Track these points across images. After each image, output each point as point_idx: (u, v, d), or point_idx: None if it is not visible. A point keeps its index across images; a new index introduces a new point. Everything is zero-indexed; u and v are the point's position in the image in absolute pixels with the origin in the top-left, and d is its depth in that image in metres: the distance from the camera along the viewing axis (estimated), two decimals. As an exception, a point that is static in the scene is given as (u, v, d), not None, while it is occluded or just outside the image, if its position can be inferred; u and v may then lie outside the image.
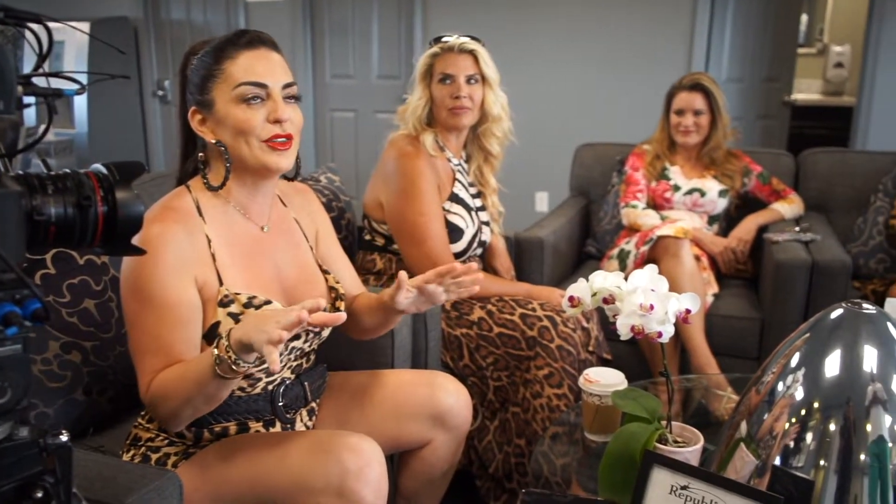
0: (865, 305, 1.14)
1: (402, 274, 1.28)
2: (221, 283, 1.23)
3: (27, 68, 0.80)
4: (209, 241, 1.24)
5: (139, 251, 0.79)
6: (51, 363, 1.38)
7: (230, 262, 1.26)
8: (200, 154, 1.28)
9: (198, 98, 1.25)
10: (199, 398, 1.13)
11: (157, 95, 5.32)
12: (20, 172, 0.73)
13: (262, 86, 1.22)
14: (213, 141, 1.25)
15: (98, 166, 0.77)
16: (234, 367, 1.06)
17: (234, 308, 1.23)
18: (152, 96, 5.31)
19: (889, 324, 1.12)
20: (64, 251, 1.40)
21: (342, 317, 1.12)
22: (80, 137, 4.66)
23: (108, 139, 4.94)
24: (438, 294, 1.31)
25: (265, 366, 1.22)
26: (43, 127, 0.80)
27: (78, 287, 1.43)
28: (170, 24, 5.22)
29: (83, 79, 0.83)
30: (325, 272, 1.43)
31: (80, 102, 4.62)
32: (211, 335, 1.22)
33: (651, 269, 1.26)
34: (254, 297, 1.24)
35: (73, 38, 4.57)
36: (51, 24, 0.77)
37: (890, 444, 1.05)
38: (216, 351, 1.08)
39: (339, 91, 4.92)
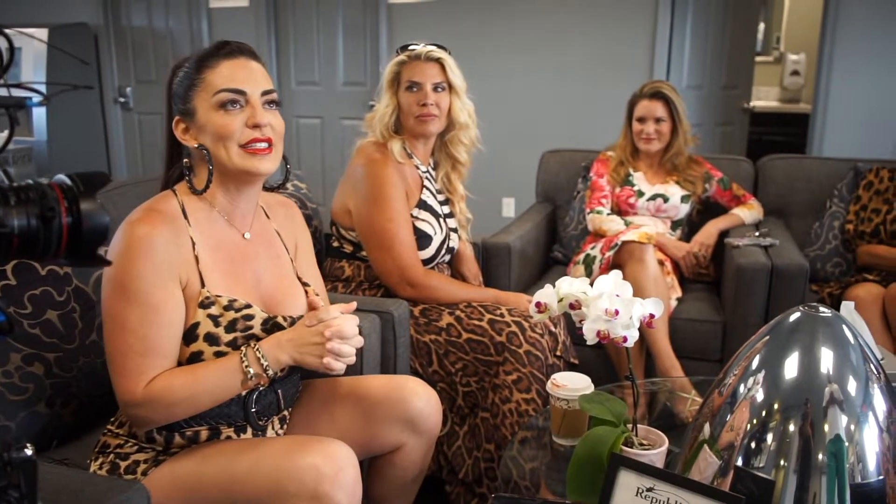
0: (822, 309, 1.18)
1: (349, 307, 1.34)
2: (203, 285, 1.24)
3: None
4: (193, 244, 1.25)
5: (105, 262, 0.79)
6: (12, 375, 1.35)
7: (212, 265, 1.27)
8: (186, 160, 1.30)
9: (180, 107, 1.28)
10: (209, 401, 1.23)
11: (119, 102, 5.23)
12: (-19, 185, 0.71)
13: (241, 92, 1.25)
14: (196, 146, 1.27)
15: (62, 177, 0.76)
16: (264, 377, 1.23)
17: (214, 310, 1.24)
18: (113, 103, 5.23)
19: (844, 326, 1.16)
20: (25, 262, 1.38)
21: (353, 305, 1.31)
22: (40, 146, 4.57)
23: (68, 147, 4.85)
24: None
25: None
26: (3, 137, 0.79)
27: (40, 298, 1.41)
28: (130, 30, 5.15)
29: (42, 88, 0.82)
30: (305, 284, 1.44)
31: (40, 110, 4.54)
32: (189, 335, 1.23)
33: (616, 274, 1.28)
34: (234, 300, 1.26)
35: (31, 46, 4.48)
36: (8, 32, 0.76)
37: (846, 444, 1.08)
38: (248, 366, 1.21)
39: (304, 98, 4.90)
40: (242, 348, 1.24)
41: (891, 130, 3.69)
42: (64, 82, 4.50)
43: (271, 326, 1.30)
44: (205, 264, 1.26)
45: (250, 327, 1.27)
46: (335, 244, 2.06)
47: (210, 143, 1.26)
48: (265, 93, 1.27)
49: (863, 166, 2.70)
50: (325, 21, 4.73)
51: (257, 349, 1.23)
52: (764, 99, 5.87)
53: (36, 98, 0.79)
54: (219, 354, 1.24)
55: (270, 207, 1.46)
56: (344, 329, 1.24)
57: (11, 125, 0.75)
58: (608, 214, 2.64)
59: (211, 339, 1.24)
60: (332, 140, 4.86)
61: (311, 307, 1.38)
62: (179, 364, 1.24)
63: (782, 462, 1.10)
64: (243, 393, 1.31)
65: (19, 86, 0.76)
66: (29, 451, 0.71)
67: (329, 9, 4.70)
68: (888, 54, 3.66)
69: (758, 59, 5.08)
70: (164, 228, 1.21)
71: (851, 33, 3.71)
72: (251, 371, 1.17)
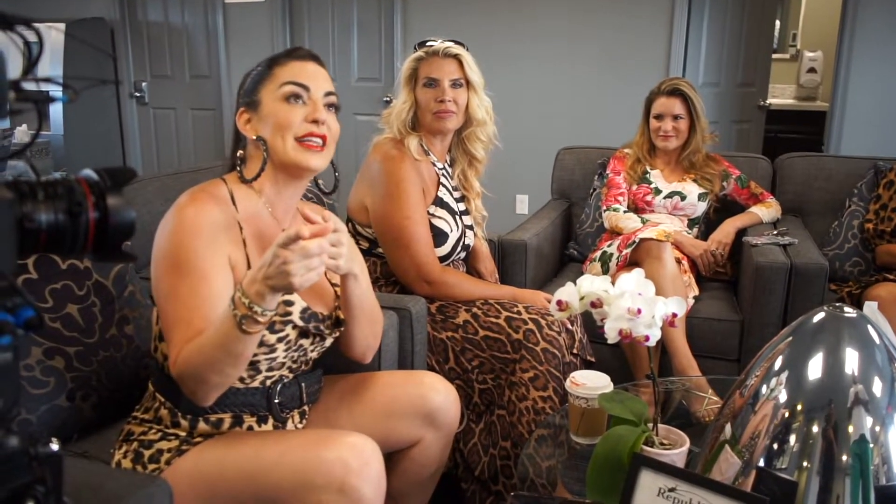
0: (846, 309, 1.16)
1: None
2: (249, 267, 1.26)
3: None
4: (241, 228, 1.29)
5: (130, 258, 0.79)
6: (33, 369, 1.36)
7: (257, 252, 1.30)
8: (240, 151, 1.35)
9: (246, 100, 1.34)
10: (226, 360, 1.15)
11: (134, 97, 5.26)
12: (10, 179, 0.72)
13: (305, 87, 1.31)
14: (255, 137, 1.31)
15: (89, 172, 0.76)
16: (258, 318, 1.10)
17: None
18: (129, 98, 5.25)
19: (869, 326, 1.15)
20: (47, 256, 1.39)
21: (328, 227, 1.17)
22: (57, 139, 4.60)
23: (84, 141, 4.88)
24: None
25: (265, 354, 1.28)
26: (19, 131, 0.79)
27: (61, 292, 1.41)
28: (147, 24, 5.17)
29: (62, 81, 0.82)
30: (333, 285, 1.45)
31: (56, 104, 4.56)
32: None
33: (638, 273, 1.27)
34: None
35: (48, 39, 4.50)
36: (26, 34, 0.76)
37: (871, 445, 1.07)
38: (235, 309, 1.11)
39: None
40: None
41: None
42: (85, 77, 4.52)
43: (309, 316, 1.32)
44: (251, 249, 1.30)
45: (289, 313, 1.29)
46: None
47: (269, 134, 1.30)
48: (327, 94, 1.33)
49: (883, 165, 2.67)
50: (340, 16, 4.73)
51: (238, 289, 1.13)
52: (780, 96, 5.82)
53: (64, 94, 0.79)
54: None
55: (307, 216, 1.46)
56: (307, 249, 1.09)
57: (39, 119, 0.75)
58: (625, 212, 2.62)
59: None
60: (346, 135, 4.78)
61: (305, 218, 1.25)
62: None
63: (805, 463, 1.09)
64: (268, 383, 1.34)
65: (48, 80, 0.76)
66: (55, 446, 0.71)
67: (344, 4, 4.70)
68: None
69: (774, 56, 5.04)
70: (215, 209, 1.25)
71: (870, 31, 3.68)
72: (238, 314, 1.09)
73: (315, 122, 1.30)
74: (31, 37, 0.75)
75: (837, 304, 1.19)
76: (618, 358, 2.30)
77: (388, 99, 4.21)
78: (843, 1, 3.78)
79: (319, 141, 1.30)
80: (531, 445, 1.49)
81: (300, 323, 1.31)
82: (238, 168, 1.34)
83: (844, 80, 3.78)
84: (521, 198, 4.41)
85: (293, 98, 1.30)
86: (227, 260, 1.25)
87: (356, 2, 4.67)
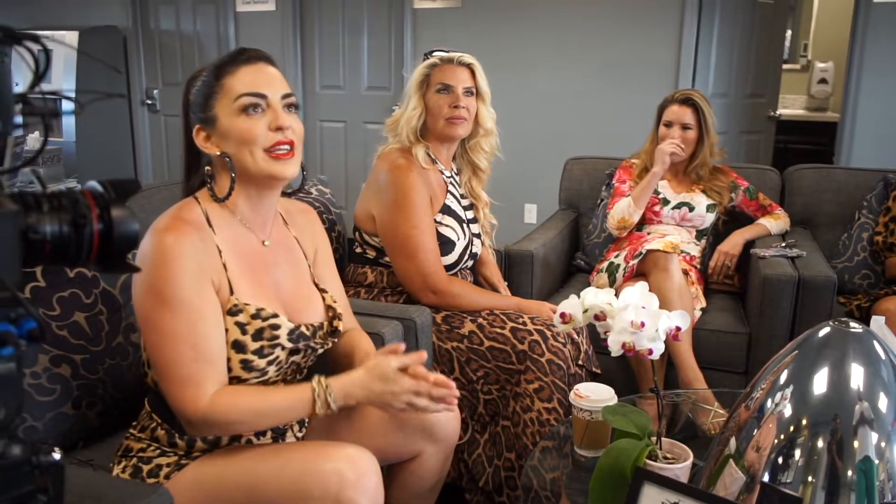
0: (852, 324, 1.16)
1: (399, 347, 1.33)
2: (232, 293, 1.25)
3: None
4: (220, 252, 1.26)
5: (133, 269, 0.79)
6: (40, 377, 1.37)
7: (239, 273, 1.28)
8: (207, 167, 1.30)
9: (200, 116, 1.28)
10: (271, 423, 1.29)
11: (146, 104, 5.30)
12: (15, 190, 0.72)
13: (262, 96, 1.26)
14: (219, 153, 1.27)
15: (93, 183, 0.77)
16: (332, 408, 1.23)
17: (241, 318, 1.24)
18: (140, 105, 5.30)
19: (875, 342, 1.14)
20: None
21: (423, 355, 1.31)
22: (69, 146, 4.63)
23: (96, 148, 4.92)
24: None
25: (258, 378, 1.28)
26: (31, 138, 0.80)
27: (68, 300, 1.42)
28: (159, 33, 5.21)
29: (73, 93, 0.83)
30: (322, 290, 1.44)
31: (66, 104, 4.60)
32: None
33: (642, 286, 1.27)
34: (262, 308, 1.27)
35: (60, 48, 4.55)
36: (40, 34, 0.77)
37: (876, 462, 1.06)
38: (317, 397, 1.23)
39: (328, 101, 4.93)
40: (313, 382, 1.24)
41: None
42: (96, 90, 4.56)
43: (297, 336, 1.31)
44: (232, 272, 1.27)
45: (276, 336, 1.27)
46: (358, 250, 2.07)
47: (234, 149, 1.26)
48: (285, 96, 1.28)
49: (893, 177, 2.65)
50: (351, 26, 4.75)
51: (327, 387, 1.24)
52: (790, 107, 5.80)
53: (70, 107, 0.80)
54: (245, 363, 1.25)
55: (290, 214, 1.47)
56: (422, 391, 1.27)
57: (46, 133, 0.76)
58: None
59: (238, 346, 1.24)
60: (356, 144, 4.88)
61: (392, 351, 1.32)
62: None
63: (810, 478, 1.08)
64: None
65: (55, 94, 0.77)
66: (57, 455, 0.72)
67: (354, 13, 4.73)
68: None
69: (785, 66, 5.03)
70: (194, 236, 1.22)
71: (881, 42, 3.66)
72: (318, 404, 1.22)
73: (279, 128, 1.26)
74: (36, 49, 0.77)
75: (843, 319, 1.18)
76: (623, 369, 2.30)
77: (397, 107, 4.22)
78: (853, 12, 3.77)
79: (288, 147, 1.27)
80: (535, 457, 1.49)
81: (288, 345, 1.30)
82: (209, 187, 1.30)
83: (855, 91, 3.76)
84: (530, 207, 4.41)
85: (251, 109, 1.25)
86: (213, 287, 1.23)
87: (366, 11, 4.69)
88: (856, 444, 1.07)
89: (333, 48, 4.83)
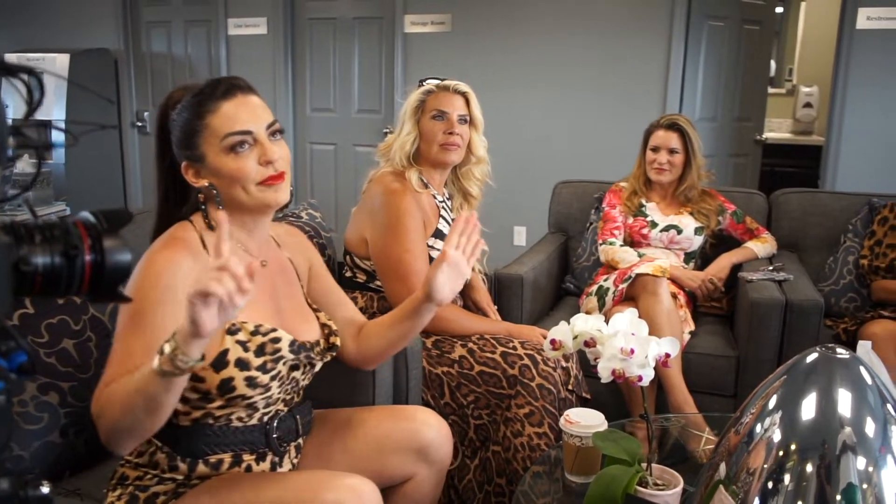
0: (839, 350, 1.17)
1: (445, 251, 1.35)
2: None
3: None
4: None
5: (125, 299, 0.79)
6: (27, 405, 1.36)
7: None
8: (200, 195, 1.30)
9: (187, 154, 1.28)
10: (141, 404, 1.07)
11: (136, 126, 5.30)
12: (7, 221, 0.73)
13: (248, 132, 1.25)
14: (207, 184, 1.28)
15: (86, 214, 0.77)
16: (177, 362, 1.01)
17: (241, 336, 1.25)
18: (131, 127, 5.30)
19: (861, 368, 1.15)
20: (43, 291, 1.38)
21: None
22: (58, 169, 4.62)
23: (86, 171, 4.91)
24: (462, 262, 1.38)
25: (261, 394, 1.26)
26: (22, 161, 0.79)
27: (57, 327, 1.42)
28: (150, 56, 5.23)
29: (62, 126, 0.83)
30: (315, 310, 1.45)
31: (58, 133, 4.60)
32: (219, 362, 1.22)
33: (631, 312, 1.28)
34: (260, 325, 1.27)
35: (54, 68, 4.56)
36: (31, 56, 0.77)
37: (865, 487, 1.06)
38: (162, 348, 1.03)
39: (319, 124, 4.95)
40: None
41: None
42: (88, 120, 4.57)
43: (297, 348, 1.32)
44: None
45: (279, 349, 1.28)
46: (347, 274, 2.07)
47: (226, 186, 1.27)
48: (270, 125, 1.28)
49: (878, 201, 2.69)
50: (342, 49, 4.79)
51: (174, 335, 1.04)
52: (777, 130, 5.87)
53: (62, 139, 0.80)
54: (249, 380, 1.24)
55: (280, 237, 1.49)
56: (204, 287, 0.98)
57: (39, 165, 0.76)
58: (621, 245, 2.63)
59: (242, 364, 1.24)
60: (346, 167, 4.90)
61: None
62: (209, 391, 1.23)
63: (799, 503, 1.08)
64: (265, 419, 1.33)
65: (49, 125, 0.77)
66: (46, 489, 0.71)
67: (346, 37, 4.77)
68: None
69: (770, 91, 5.10)
70: (186, 254, 1.22)
71: (864, 67, 3.72)
72: (166, 348, 1.02)
73: (269, 162, 1.26)
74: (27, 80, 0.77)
75: (830, 346, 1.19)
76: (613, 394, 2.30)
77: (387, 130, 4.25)
78: (837, 37, 3.83)
79: (278, 175, 1.27)
80: (526, 482, 1.49)
81: (290, 357, 1.30)
82: (204, 215, 1.29)
83: (839, 115, 3.82)
84: (519, 229, 4.43)
85: (239, 147, 1.24)
86: None
87: (357, 35, 4.73)
88: (843, 469, 1.07)
89: (324, 71, 4.86)
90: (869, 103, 3.74)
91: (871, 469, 1.08)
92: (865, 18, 3.67)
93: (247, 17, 4.86)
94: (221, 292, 0.97)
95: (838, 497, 1.06)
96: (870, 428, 1.10)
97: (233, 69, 4.93)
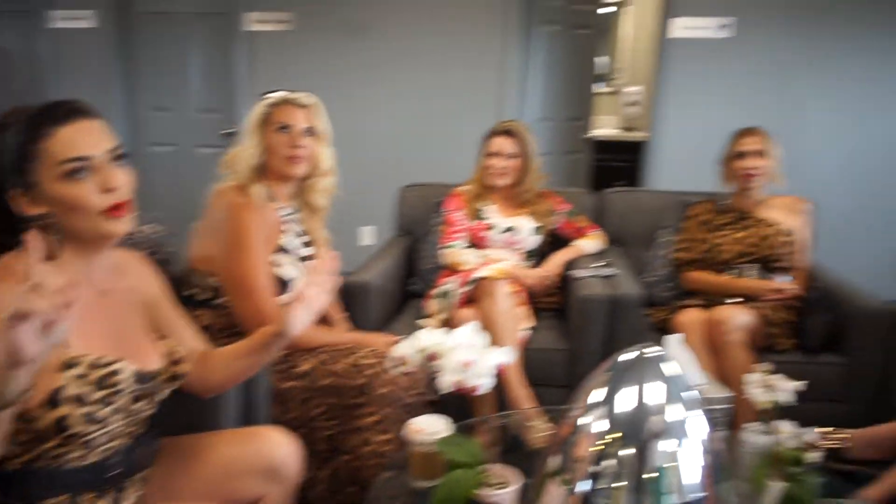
0: (648, 350, 1.32)
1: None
2: (64, 347, 1.18)
3: None
4: None
5: None
6: None
7: (73, 326, 1.20)
8: (37, 223, 1.20)
9: (17, 180, 1.19)
10: None
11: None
12: None
13: (87, 158, 1.19)
14: (44, 212, 1.19)
15: None
16: None
17: (80, 370, 1.19)
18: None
19: (669, 362, 1.31)
20: None
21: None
22: None
23: None
24: (318, 301, 1.37)
25: (101, 430, 1.21)
26: None
27: None
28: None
29: None
30: (160, 337, 1.42)
31: None
32: (53, 401, 1.16)
33: (475, 325, 1.36)
34: (100, 356, 1.22)
35: None
36: None
37: (670, 466, 1.22)
38: None
39: (157, 124, 4.72)
40: None
41: (716, 164, 4.07)
42: None
43: (141, 377, 1.28)
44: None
45: (119, 382, 1.24)
46: (192, 291, 2.02)
47: (63, 214, 1.20)
48: (111, 150, 1.22)
49: (688, 199, 2.98)
50: (180, 44, 4.59)
51: None
52: (608, 127, 6.26)
53: None
54: (88, 415, 1.19)
55: (121, 265, 1.42)
56: (21, 307, 0.90)
57: None
58: (462, 248, 2.75)
59: (80, 399, 1.18)
60: (189, 169, 4.69)
61: None
62: (42, 431, 1.18)
63: (620, 484, 1.22)
64: (105, 455, 1.28)
65: None
66: None
67: (184, 32, 4.57)
68: (716, 92, 4.02)
69: (602, 90, 5.44)
70: (13, 286, 1.13)
71: (680, 72, 4.05)
72: None
73: (110, 190, 1.20)
74: None
75: (644, 345, 1.34)
76: (459, 396, 2.39)
77: (229, 131, 4.14)
78: (656, 45, 4.16)
79: (122, 203, 1.23)
80: (376, 489, 1.54)
81: (134, 387, 1.27)
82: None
83: (660, 116, 4.13)
84: (365, 230, 4.45)
85: (76, 174, 1.18)
86: None
87: (197, 30, 4.55)
88: (652, 453, 1.22)
89: (161, 68, 4.64)
90: (685, 107, 4.07)
91: (674, 451, 1.23)
92: (683, 28, 3.99)
93: (73, 8, 4.51)
94: (42, 306, 0.90)
95: (650, 475, 1.21)
96: (672, 415, 1.26)
97: (59, 65, 4.58)
